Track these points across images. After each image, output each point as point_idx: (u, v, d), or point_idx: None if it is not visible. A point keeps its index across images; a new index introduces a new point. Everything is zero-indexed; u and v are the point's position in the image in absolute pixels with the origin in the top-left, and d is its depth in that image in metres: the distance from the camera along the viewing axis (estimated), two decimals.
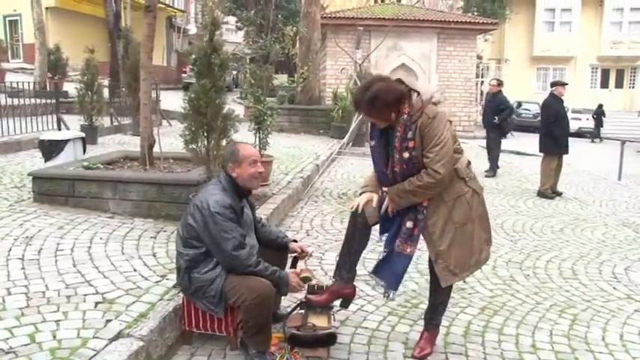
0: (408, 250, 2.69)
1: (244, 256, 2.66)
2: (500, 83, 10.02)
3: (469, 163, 2.76)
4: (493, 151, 9.80)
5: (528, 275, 4.36)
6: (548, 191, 7.86)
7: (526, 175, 9.90)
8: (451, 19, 18.41)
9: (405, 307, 3.57)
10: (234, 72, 25.73)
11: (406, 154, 2.59)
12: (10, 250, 3.70)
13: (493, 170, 9.63)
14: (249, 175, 2.80)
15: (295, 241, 3.16)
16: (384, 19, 17.49)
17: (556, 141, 8.06)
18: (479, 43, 21.37)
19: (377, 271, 2.83)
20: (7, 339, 2.53)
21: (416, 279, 4.06)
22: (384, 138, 2.73)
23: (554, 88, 8.25)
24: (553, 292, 4.01)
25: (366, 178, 2.95)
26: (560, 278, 4.34)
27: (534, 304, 3.76)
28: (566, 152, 8.20)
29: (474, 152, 10.66)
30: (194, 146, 4.53)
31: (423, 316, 3.12)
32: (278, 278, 2.74)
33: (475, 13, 23.32)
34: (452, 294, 3.79)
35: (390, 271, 2.76)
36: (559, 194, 7.96)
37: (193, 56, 4.48)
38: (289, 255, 3.16)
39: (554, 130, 8.04)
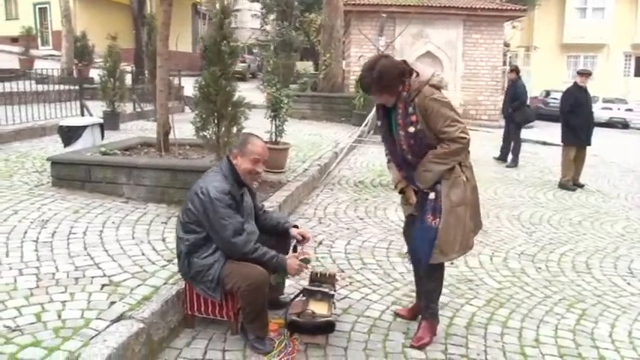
0: (433, 223, 2.74)
1: (241, 243, 2.69)
2: (513, 69, 9.76)
3: (468, 152, 2.82)
4: (514, 142, 9.54)
5: (540, 268, 4.29)
6: (569, 183, 7.67)
7: (549, 166, 9.67)
8: (478, 6, 17.97)
9: (410, 297, 3.54)
10: (259, 59, 25.79)
11: (411, 129, 2.68)
12: (25, 232, 3.82)
13: (514, 162, 9.40)
14: (246, 169, 2.81)
15: (296, 226, 3.14)
16: (408, 5, 17.20)
17: (574, 131, 7.81)
18: (507, 30, 20.89)
19: (411, 247, 2.97)
20: (15, 317, 2.63)
21: None
22: (387, 119, 2.83)
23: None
24: (563, 286, 3.94)
25: (393, 176, 3.01)
26: (573, 272, 4.26)
27: (543, 298, 3.70)
28: (588, 144, 7.93)
29: (498, 142, 10.46)
30: (205, 133, 4.57)
31: None
32: (277, 263, 2.77)
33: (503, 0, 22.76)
34: (458, 285, 3.80)
35: (419, 245, 2.85)
36: (581, 186, 7.75)
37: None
38: (291, 241, 3.13)
39: (570, 119, 7.81)
